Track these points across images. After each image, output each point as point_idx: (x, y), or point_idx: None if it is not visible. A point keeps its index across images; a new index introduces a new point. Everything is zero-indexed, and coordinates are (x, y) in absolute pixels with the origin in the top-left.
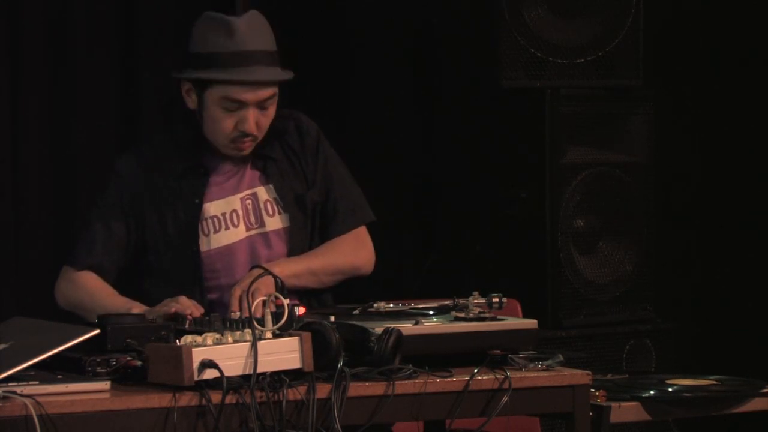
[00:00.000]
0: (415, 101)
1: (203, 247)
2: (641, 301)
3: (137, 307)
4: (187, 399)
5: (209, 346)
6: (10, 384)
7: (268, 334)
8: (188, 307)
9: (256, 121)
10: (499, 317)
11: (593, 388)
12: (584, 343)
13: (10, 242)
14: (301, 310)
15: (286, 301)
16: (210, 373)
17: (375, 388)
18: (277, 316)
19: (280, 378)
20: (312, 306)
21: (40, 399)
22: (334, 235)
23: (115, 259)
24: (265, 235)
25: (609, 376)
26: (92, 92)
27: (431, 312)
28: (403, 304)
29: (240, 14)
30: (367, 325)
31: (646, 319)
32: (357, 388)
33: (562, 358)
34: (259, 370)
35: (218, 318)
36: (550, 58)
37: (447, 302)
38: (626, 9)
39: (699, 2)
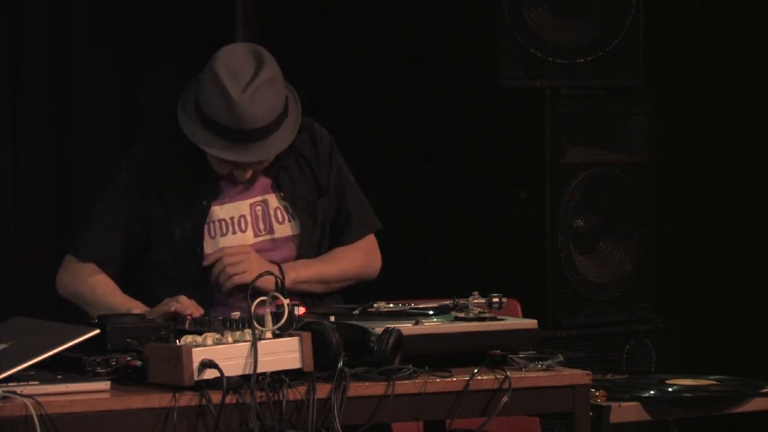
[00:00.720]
0: (415, 101)
1: (208, 249)
2: (641, 301)
3: (138, 308)
4: (187, 399)
5: (209, 346)
6: (10, 384)
7: (268, 334)
8: (188, 307)
9: (253, 169)
10: (499, 317)
11: (593, 388)
12: (584, 343)
13: (10, 242)
14: (301, 310)
15: (286, 301)
16: (210, 373)
17: (375, 388)
18: (277, 316)
19: (280, 378)
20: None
21: (40, 399)
22: (346, 243)
23: (119, 252)
24: (274, 242)
25: (609, 376)
26: (92, 92)
27: (431, 312)
28: (403, 304)
29: (241, 57)
30: (367, 325)
31: (646, 319)
32: (357, 388)
33: (562, 358)
34: (259, 370)
35: (218, 318)
36: (550, 58)
37: (447, 302)
38: (626, 9)
39: (699, 2)
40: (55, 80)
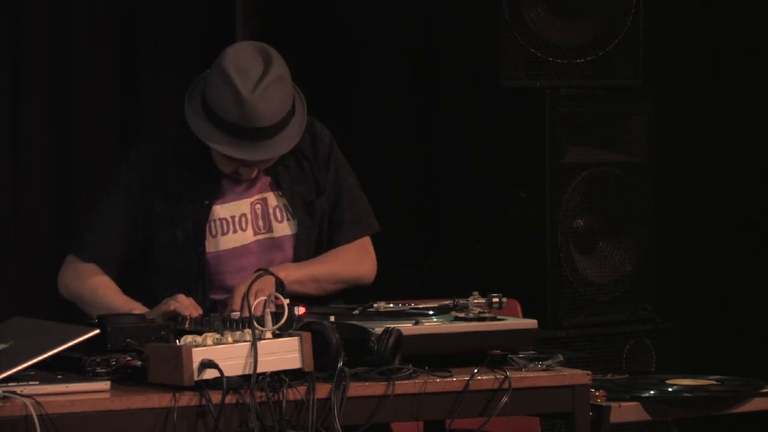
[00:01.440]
0: (415, 101)
1: (210, 248)
2: (641, 301)
3: (138, 308)
4: (187, 399)
5: (209, 346)
6: (10, 384)
7: (268, 334)
8: (186, 306)
9: (258, 167)
10: (499, 317)
11: (593, 388)
12: (584, 343)
13: (10, 242)
14: (301, 310)
15: (286, 301)
16: (210, 373)
17: (375, 388)
18: (277, 316)
19: (280, 378)
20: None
21: (40, 399)
22: (338, 244)
23: (121, 251)
24: (272, 241)
25: (609, 376)
26: (92, 92)
27: (431, 312)
28: (403, 304)
29: (249, 56)
30: (367, 325)
31: (646, 319)
32: (357, 388)
33: (562, 358)
34: (259, 370)
35: (218, 318)
36: (550, 58)
37: (447, 302)
38: (626, 9)
39: (699, 2)
40: (55, 80)
